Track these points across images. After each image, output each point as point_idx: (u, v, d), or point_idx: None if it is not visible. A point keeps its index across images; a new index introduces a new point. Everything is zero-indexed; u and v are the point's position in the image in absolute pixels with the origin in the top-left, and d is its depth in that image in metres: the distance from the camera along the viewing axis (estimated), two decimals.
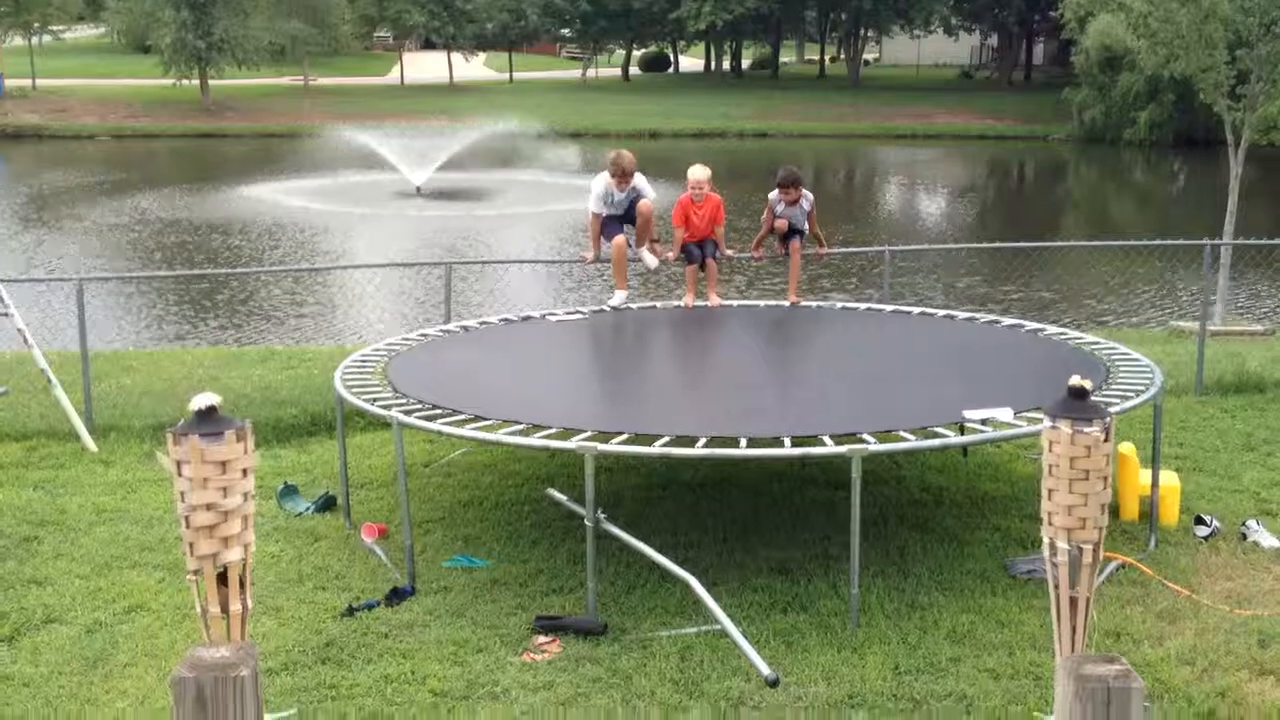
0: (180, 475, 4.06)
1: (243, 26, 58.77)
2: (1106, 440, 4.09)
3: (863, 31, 74.44)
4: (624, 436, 6.56)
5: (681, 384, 8.34)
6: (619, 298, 10.09)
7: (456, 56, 72.62)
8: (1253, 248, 16.34)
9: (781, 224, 10.27)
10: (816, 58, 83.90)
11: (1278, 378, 11.18)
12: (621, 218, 10.28)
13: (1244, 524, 7.46)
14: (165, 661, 5.92)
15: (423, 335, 9.35)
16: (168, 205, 31.72)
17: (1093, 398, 4.38)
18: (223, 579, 4.11)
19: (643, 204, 10.13)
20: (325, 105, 60.34)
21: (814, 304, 10.67)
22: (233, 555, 4.10)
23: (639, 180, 10.17)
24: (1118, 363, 8.11)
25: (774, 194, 10.25)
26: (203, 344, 15.95)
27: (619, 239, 10.16)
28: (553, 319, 9.73)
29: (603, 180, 10.11)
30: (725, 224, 10.35)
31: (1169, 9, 14.68)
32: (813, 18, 78.98)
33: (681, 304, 10.18)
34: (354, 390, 7.61)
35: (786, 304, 10.34)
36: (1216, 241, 12.40)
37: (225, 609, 4.12)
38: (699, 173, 10.10)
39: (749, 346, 8.92)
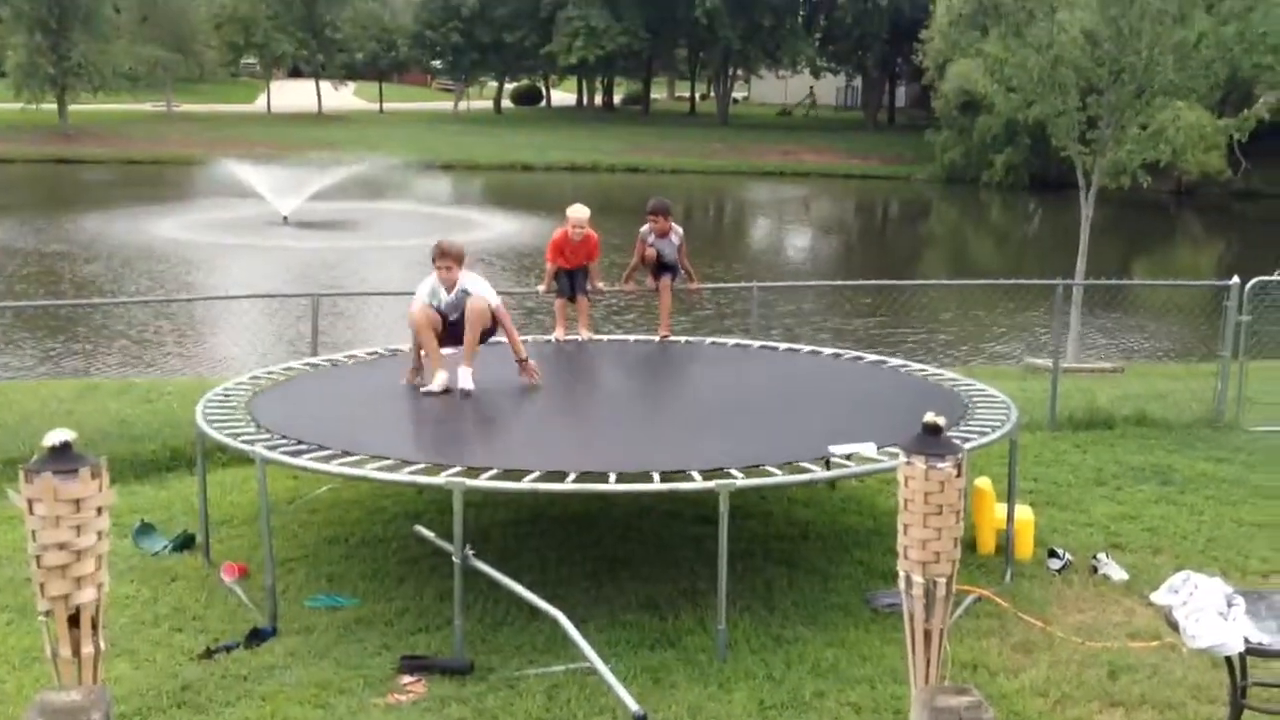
0: (32, 513, 3.93)
1: (102, 51, 57.30)
2: (959, 476, 4.22)
3: (731, 70, 75.70)
4: (493, 472, 6.53)
5: (551, 419, 8.33)
6: (439, 380, 8.20)
7: (325, 85, 71.83)
8: (1103, 287, 17.01)
9: (651, 254, 10.33)
10: (687, 95, 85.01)
11: (1126, 414, 11.61)
12: (454, 326, 8.34)
13: (1094, 557, 7.72)
14: (13, 707, 5.69)
15: (288, 369, 9.19)
16: (21, 233, 30.70)
17: (949, 434, 4.51)
18: (74, 621, 3.99)
19: (471, 304, 8.16)
20: (190, 132, 59.13)
21: (683, 339, 10.76)
22: (85, 596, 3.98)
23: (467, 278, 8.29)
24: (975, 399, 8.35)
25: (645, 226, 10.30)
26: (58, 376, 15.43)
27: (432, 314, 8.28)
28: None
29: (429, 280, 8.36)
30: (599, 259, 10.38)
31: (1023, 55, 15.25)
32: (683, 56, 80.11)
33: (551, 338, 10.19)
34: (216, 424, 7.44)
35: (656, 339, 10.42)
36: (1068, 281, 12.89)
37: (77, 652, 3.99)
38: (579, 212, 9.89)
39: (619, 381, 8.97)
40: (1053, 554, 7.77)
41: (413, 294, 8.45)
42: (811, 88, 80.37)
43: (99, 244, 28.96)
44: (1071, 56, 14.84)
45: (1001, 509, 7.80)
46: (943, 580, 4.19)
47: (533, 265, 27.06)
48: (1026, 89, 15.56)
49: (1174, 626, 5.13)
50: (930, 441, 4.28)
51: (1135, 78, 14.83)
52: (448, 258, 8.16)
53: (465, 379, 8.20)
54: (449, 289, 8.23)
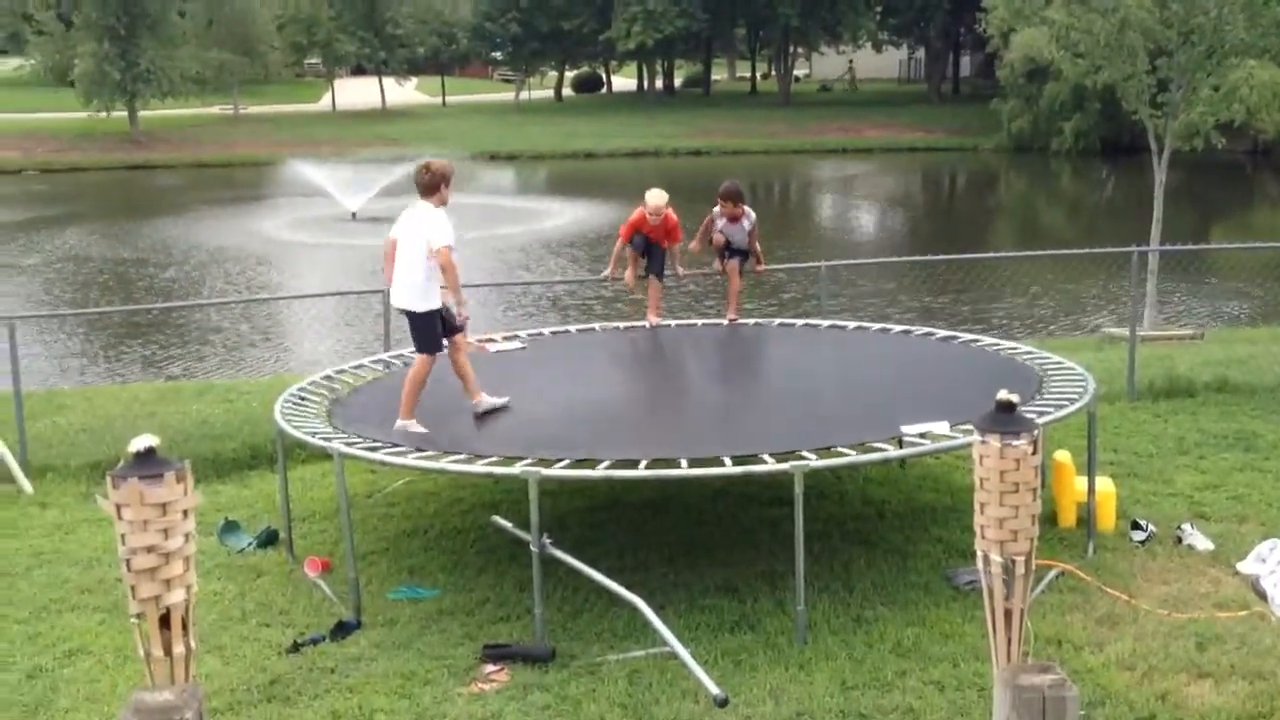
0: (120, 518, 4.02)
1: (169, 57, 58.15)
2: (1035, 453, 4.17)
3: (792, 48, 75.15)
4: (566, 461, 6.59)
5: (622, 406, 8.37)
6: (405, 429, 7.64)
7: (388, 81, 72.37)
8: (1180, 253, 16.69)
9: (720, 239, 10.23)
10: (748, 75, 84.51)
11: (1207, 380, 11.40)
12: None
13: (1179, 528, 7.60)
14: (108, 706, 5.84)
15: (359, 366, 9.30)
16: (96, 240, 31.32)
17: (1022, 410, 4.46)
18: (165, 621, 4.07)
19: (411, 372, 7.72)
20: (257, 133, 59.88)
21: (752, 322, 10.72)
22: (175, 598, 4.06)
23: (426, 212, 7.71)
24: (1051, 372, 8.26)
25: (716, 209, 10.18)
26: (139, 379, 15.75)
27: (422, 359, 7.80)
28: (492, 347, 9.73)
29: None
30: (680, 242, 10.24)
31: (1089, 21, 14.98)
32: (742, 36, 79.64)
33: (645, 323, 10.10)
34: (294, 422, 7.57)
35: (724, 322, 10.40)
36: (1143, 248, 12.64)
37: (168, 651, 4.08)
38: (658, 198, 9.62)
39: (688, 366, 8.97)
40: (1136, 526, 7.66)
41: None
42: (851, 62, 79.33)
43: (173, 248, 29.46)
44: (1138, 19, 14.56)
45: (1082, 482, 7.70)
46: (1021, 558, 4.15)
47: (606, 253, 27.16)
48: (1094, 54, 15.28)
49: (1261, 595, 5.05)
50: (1004, 419, 4.24)
51: (1205, 38, 14.52)
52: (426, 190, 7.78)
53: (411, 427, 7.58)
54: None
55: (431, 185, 7.74)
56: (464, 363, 7.93)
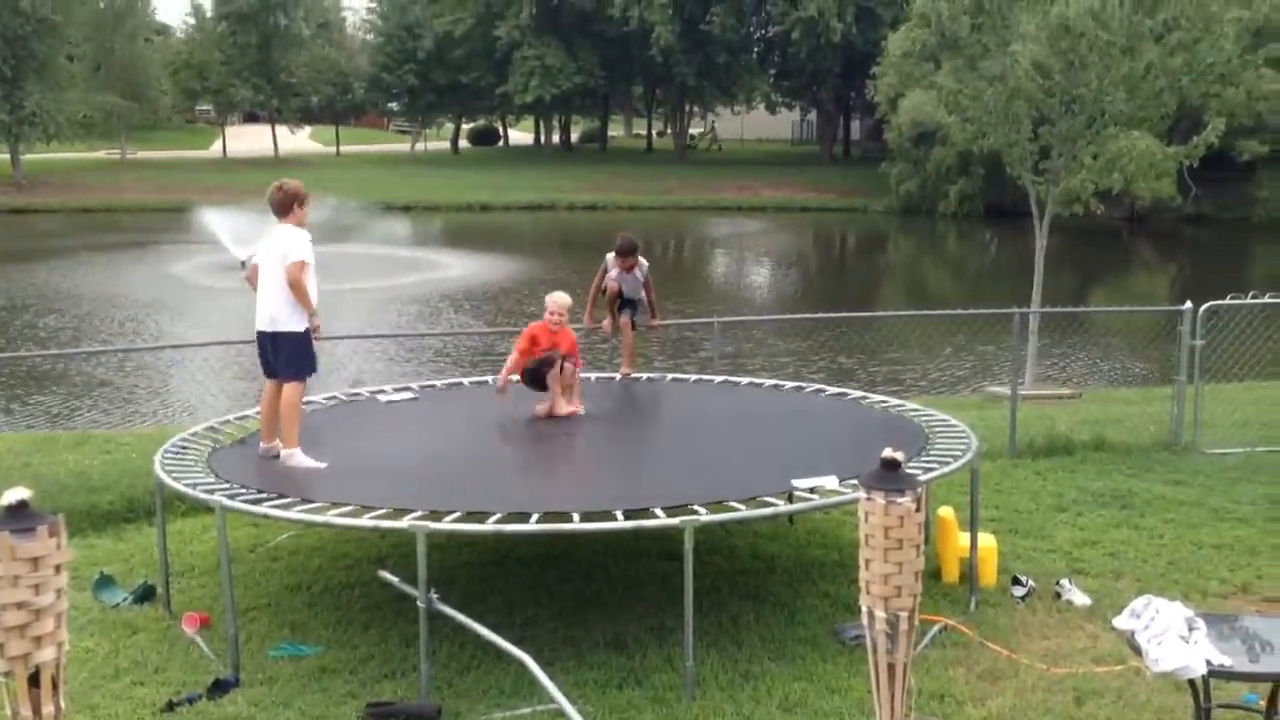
0: None
1: (57, 100, 57.03)
2: (919, 510, 4.25)
3: (688, 107, 76.26)
4: (456, 514, 6.52)
5: (513, 460, 8.33)
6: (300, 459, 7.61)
7: (281, 129, 71.75)
8: (1059, 315, 17.18)
9: (614, 287, 10.26)
10: (644, 132, 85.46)
11: (1084, 439, 11.71)
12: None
13: (1058, 583, 7.77)
14: None
15: (243, 417, 9.12)
16: None
17: (907, 466, 4.54)
18: (35, 680, 3.94)
19: (285, 394, 7.62)
20: (145, 179, 58.85)
21: (644, 376, 10.77)
22: (45, 655, 3.92)
23: (282, 232, 7.64)
24: (936, 428, 8.42)
25: (610, 256, 10.23)
26: (13, 429, 15.26)
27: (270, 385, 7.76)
28: (383, 399, 9.62)
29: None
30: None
31: (977, 88, 15.44)
32: (639, 93, 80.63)
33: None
34: (174, 474, 7.39)
35: (618, 377, 10.43)
36: (1024, 310, 13.00)
37: (38, 711, 3.93)
38: (561, 299, 8.95)
39: (582, 420, 8.96)
40: (1016, 581, 7.81)
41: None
42: (714, 124, 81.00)
43: (55, 294, 28.71)
44: (1026, 88, 15.05)
45: (965, 537, 7.84)
46: (905, 614, 4.21)
47: (503, 306, 27.10)
48: (981, 120, 15.75)
49: (1137, 650, 5.17)
50: (889, 476, 4.32)
51: (1086, 108, 15.05)
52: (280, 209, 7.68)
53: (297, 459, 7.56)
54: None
55: (284, 204, 7.63)
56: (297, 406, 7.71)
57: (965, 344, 20.35)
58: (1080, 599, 7.57)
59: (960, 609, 7.45)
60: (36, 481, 9.12)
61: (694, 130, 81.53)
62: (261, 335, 7.69)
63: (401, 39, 72.53)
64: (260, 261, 7.66)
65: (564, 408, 8.86)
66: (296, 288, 7.46)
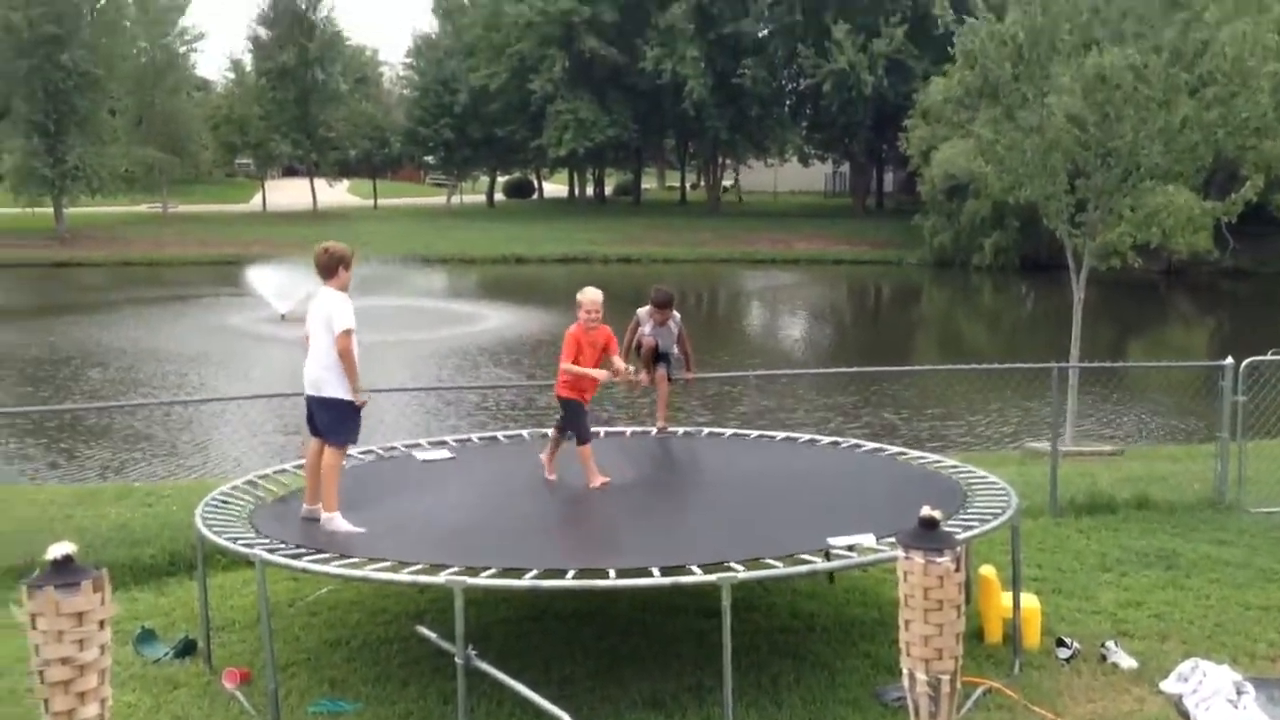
0: (34, 628, 3.92)
1: (99, 154, 57.97)
2: (958, 570, 4.21)
3: (720, 160, 76.66)
4: (492, 570, 6.52)
5: (550, 515, 8.33)
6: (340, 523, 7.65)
7: (320, 183, 72.58)
8: (1099, 369, 17.05)
9: (650, 342, 10.19)
10: (677, 184, 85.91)
11: (1127, 497, 11.58)
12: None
13: (1103, 645, 7.66)
14: None
15: (284, 470, 9.17)
16: (20, 338, 30.80)
17: (947, 525, 4.51)
18: None
19: (325, 459, 7.71)
20: (186, 232, 59.59)
21: (680, 430, 10.75)
22: (89, 712, 3.95)
23: (326, 296, 7.71)
24: (975, 486, 8.35)
25: (643, 311, 10.14)
26: (56, 481, 15.39)
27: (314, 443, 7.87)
28: (419, 455, 9.65)
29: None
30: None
31: (1014, 138, 15.41)
32: (672, 147, 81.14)
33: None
34: (215, 528, 7.43)
35: (653, 431, 10.42)
36: (1063, 365, 12.90)
37: None
38: (593, 295, 8.82)
39: (618, 475, 8.95)
40: (1061, 643, 7.71)
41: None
42: (736, 176, 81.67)
43: (98, 347, 29.04)
44: (1064, 140, 15.03)
45: (1007, 597, 7.75)
46: (947, 676, 4.17)
47: (538, 359, 27.16)
48: (1019, 171, 15.70)
49: (1185, 715, 5.09)
50: (927, 535, 4.29)
51: (1122, 161, 15.02)
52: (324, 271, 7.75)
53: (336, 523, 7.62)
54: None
55: (329, 267, 7.72)
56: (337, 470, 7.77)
57: (1005, 399, 20.22)
58: (1126, 661, 7.45)
59: (1004, 671, 7.36)
60: (80, 534, 9.20)
61: (727, 182, 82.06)
62: (308, 398, 7.79)
63: (438, 93, 73.42)
64: (308, 325, 7.74)
65: (596, 479, 8.64)
66: (345, 357, 7.55)
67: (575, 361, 8.67)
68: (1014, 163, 15.67)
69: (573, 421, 8.75)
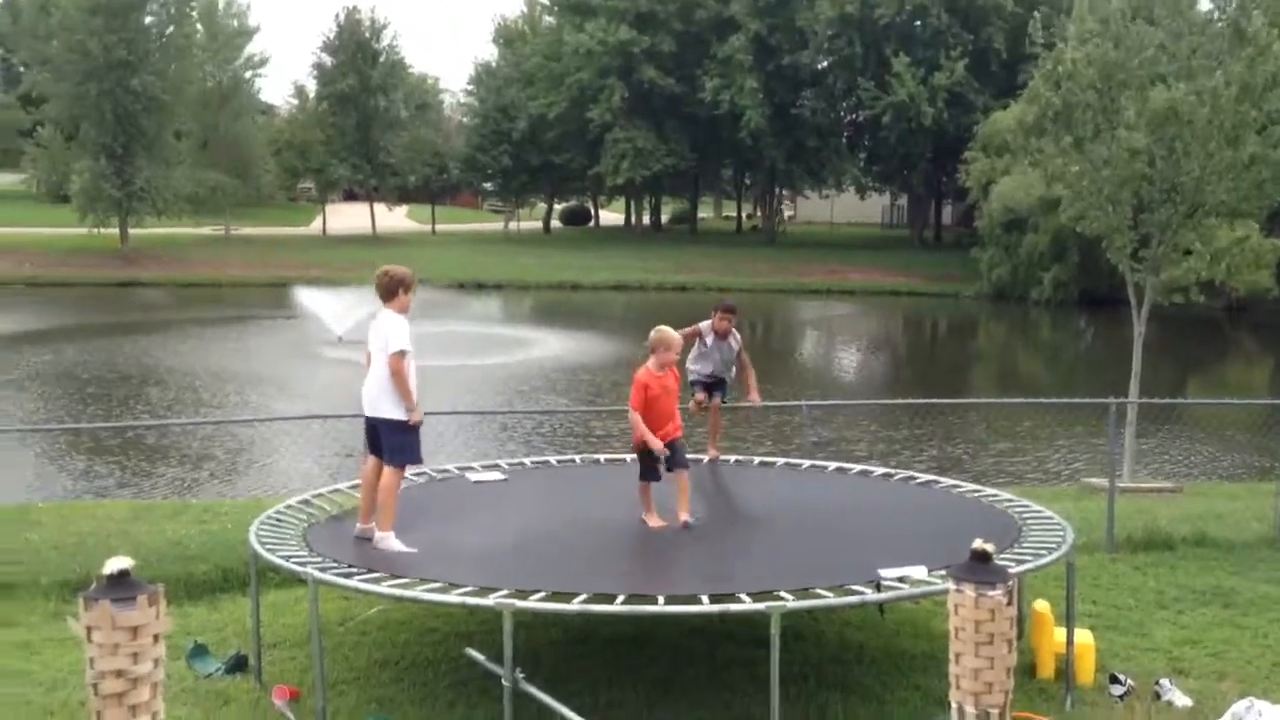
0: (90, 640, 3.97)
1: (165, 176, 58.98)
2: (1010, 604, 4.17)
3: (777, 190, 76.61)
4: (542, 594, 6.53)
5: (600, 541, 8.33)
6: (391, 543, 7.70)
7: (379, 207, 73.31)
8: (1158, 406, 16.82)
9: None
10: (734, 214, 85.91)
11: (1185, 534, 11.41)
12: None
13: (1157, 683, 7.54)
14: None
15: (338, 490, 9.25)
16: (83, 355, 31.31)
17: (999, 558, 4.47)
18: None
19: (383, 479, 7.78)
20: (247, 255, 60.35)
21: (731, 459, 10.72)
22: None
23: (386, 318, 7.81)
24: (1030, 520, 8.27)
25: (705, 324, 9.97)
26: (115, 496, 15.61)
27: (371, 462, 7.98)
28: (471, 477, 9.70)
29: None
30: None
31: (1084, 169, 15.20)
32: (729, 176, 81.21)
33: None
34: (269, 546, 7.50)
35: (705, 459, 10.39)
36: (1120, 400, 12.76)
37: None
38: (671, 336, 8.49)
39: (668, 502, 8.93)
40: (1114, 680, 7.60)
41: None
42: (783, 207, 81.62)
43: (160, 366, 29.47)
44: (1133, 175, 14.86)
45: (1061, 633, 7.65)
46: (996, 711, 4.12)
47: (595, 382, 27.21)
48: (1088, 200, 15.53)
49: None
50: (979, 568, 4.26)
51: (1187, 197, 14.84)
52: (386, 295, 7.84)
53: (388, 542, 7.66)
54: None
55: (390, 289, 7.81)
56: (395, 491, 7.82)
57: (1062, 434, 19.99)
58: (1181, 700, 7.33)
59: (1056, 707, 7.26)
60: (136, 550, 9.31)
61: (788, 212, 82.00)
62: (367, 418, 7.89)
63: (497, 120, 74.00)
64: (369, 346, 7.86)
65: (655, 521, 8.39)
66: (398, 377, 7.63)
67: (646, 406, 8.37)
68: (1081, 189, 15.51)
69: (642, 460, 8.51)
